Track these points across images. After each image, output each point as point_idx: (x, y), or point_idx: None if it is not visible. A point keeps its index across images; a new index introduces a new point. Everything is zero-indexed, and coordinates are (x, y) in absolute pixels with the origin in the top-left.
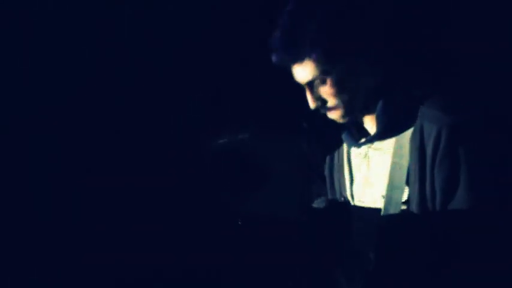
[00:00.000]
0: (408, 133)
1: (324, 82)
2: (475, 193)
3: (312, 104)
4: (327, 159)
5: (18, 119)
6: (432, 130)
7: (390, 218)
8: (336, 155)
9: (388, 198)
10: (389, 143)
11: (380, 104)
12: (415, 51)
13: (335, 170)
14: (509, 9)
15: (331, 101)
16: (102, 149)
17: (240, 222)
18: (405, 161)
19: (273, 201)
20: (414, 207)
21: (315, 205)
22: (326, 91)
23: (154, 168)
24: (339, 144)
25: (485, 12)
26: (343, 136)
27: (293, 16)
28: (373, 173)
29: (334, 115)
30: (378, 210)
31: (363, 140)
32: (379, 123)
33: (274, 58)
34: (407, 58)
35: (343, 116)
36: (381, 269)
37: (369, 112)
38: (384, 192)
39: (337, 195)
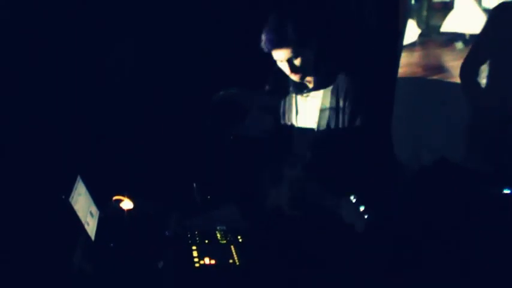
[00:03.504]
0: (330, 87)
1: (295, 58)
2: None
3: (287, 71)
4: (282, 102)
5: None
6: (342, 86)
7: (319, 132)
8: (287, 100)
9: (318, 124)
10: (320, 93)
11: (316, 71)
12: (337, 44)
13: (287, 109)
14: None
15: (297, 69)
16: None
17: (232, 137)
18: (328, 103)
19: (251, 126)
20: (332, 127)
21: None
22: (296, 64)
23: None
24: (290, 94)
25: None
26: (294, 88)
27: (278, 17)
28: (309, 110)
29: (297, 77)
30: (312, 129)
31: (305, 90)
32: (315, 81)
33: (265, 46)
34: (333, 46)
35: (301, 78)
36: (315, 159)
37: (310, 75)
38: (316, 120)
39: (286, 121)
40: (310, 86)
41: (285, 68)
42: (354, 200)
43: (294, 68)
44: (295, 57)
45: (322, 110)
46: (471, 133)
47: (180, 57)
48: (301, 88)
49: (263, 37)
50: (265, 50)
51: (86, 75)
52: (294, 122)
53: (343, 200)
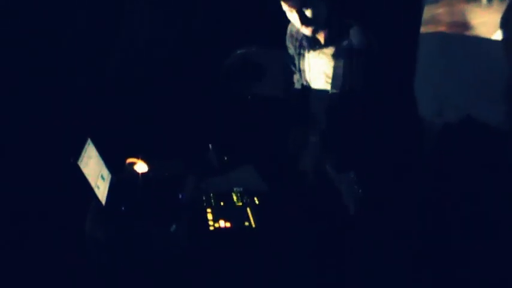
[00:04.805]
0: (344, 44)
1: (306, 9)
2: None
3: (298, 24)
4: (297, 60)
5: None
6: (356, 43)
7: (334, 94)
8: (301, 57)
9: (332, 84)
10: (332, 50)
11: (328, 24)
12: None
13: (302, 68)
14: None
15: (308, 21)
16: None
17: (249, 97)
18: (341, 62)
19: (269, 85)
20: (346, 87)
21: (293, 88)
22: (307, 15)
23: None
24: (303, 51)
25: None
26: (307, 44)
27: None
28: (322, 68)
29: (308, 31)
30: (326, 90)
31: (317, 46)
32: (326, 36)
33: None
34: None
35: (313, 31)
36: (329, 121)
37: (322, 28)
38: (329, 79)
39: (302, 80)
40: (322, 41)
41: (295, 20)
42: (352, 178)
43: (304, 20)
44: (306, 6)
45: (335, 69)
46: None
47: (196, 15)
48: (313, 44)
49: None
50: None
51: (99, 35)
52: (309, 81)
53: (343, 176)
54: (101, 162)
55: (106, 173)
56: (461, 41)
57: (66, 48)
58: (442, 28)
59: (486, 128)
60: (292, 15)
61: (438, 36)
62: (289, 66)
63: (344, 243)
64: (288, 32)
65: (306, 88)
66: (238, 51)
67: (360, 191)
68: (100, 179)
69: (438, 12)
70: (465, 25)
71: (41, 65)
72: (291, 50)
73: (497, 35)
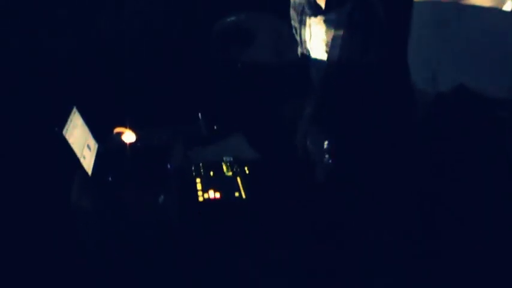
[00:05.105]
0: (344, 13)
1: None
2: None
3: None
4: (299, 28)
5: None
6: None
7: (329, 64)
8: (303, 25)
9: (329, 53)
10: (333, 17)
11: None
12: None
13: (302, 34)
14: None
15: None
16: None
17: (239, 65)
18: (340, 32)
19: (259, 52)
20: (344, 56)
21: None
22: None
23: None
24: (305, 18)
25: None
26: (308, 9)
27: None
28: (321, 36)
29: None
30: (324, 61)
31: (319, 12)
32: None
33: None
34: None
35: None
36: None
37: None
38: (327, 48)
39: (302, 48)
40: (323, 5)
41: None
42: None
43: None
44: None
45: (334, 39)
46: None
47: None
48: (315, 10)
49: None
50: None
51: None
52: (309, 49)
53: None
54: (87, 131)
55: (92, 142)
56: (456, 10)
57: (50, 13)
58: None
59: (479, 97)
60: None
61: (432, 4)
62: (283, 33)
63: (333, 218)
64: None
65: (306, 57)
66: (228, 18)
67: (330, 161)
68: (86, 149)
69: None
70: None
71: (25, 31)
72: (294, 19)
73: (492, 5)
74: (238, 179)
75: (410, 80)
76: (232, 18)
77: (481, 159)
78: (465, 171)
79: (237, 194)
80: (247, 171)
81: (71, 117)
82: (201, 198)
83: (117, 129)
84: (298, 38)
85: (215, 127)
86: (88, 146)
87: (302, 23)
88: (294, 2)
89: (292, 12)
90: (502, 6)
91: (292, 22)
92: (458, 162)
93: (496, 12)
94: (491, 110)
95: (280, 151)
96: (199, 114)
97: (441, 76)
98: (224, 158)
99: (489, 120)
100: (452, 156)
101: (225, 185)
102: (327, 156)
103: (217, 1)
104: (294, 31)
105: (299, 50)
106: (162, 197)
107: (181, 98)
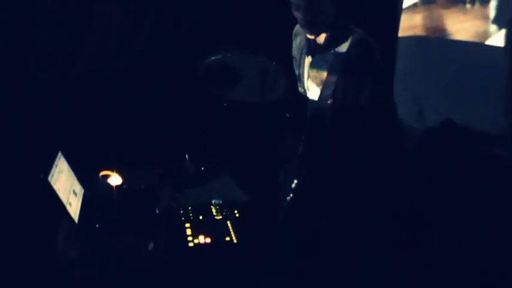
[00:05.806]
0: (341, 52)
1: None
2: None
3: (301, 23)
4: (299, 63)
5: None
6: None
7: (322, 102)
8: (302, 61)
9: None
10: (330, 57)
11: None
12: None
13: (301, 72)
14: None
15: (314, 15)
16: None
17: (225, 104)
18: (335, 73)
19: (245, 91)
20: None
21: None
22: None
23: None
24: (305, 55)
25: None
26: (306, 47)
27: None
28: (318, 75)
29: (309, 31)
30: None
31: (317, 51)
32: (327, 37)
33: None
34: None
35: (315, 32)
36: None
37: (326, 30)
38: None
39: (300, 88)
40: (322, 43)
41: (299, 18)
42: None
43: (309, 18)
44: (313, 5)
45: (328, 79)
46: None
47: (170, 17)
48: (313, 48)
49: None
50: None
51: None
52: (306, 89)
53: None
54: (73, 176)
55: (78, 187)
56: (441, 46)
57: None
58: (421, 33)
59: (467, 131)
60: (298, 14)
61: (417, 41)
62: (270, 71)
63: (327, 256)
64: (294, 32)
65: (302, 96)
66: (213, 57)
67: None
68: (72, 195)
69: (417, 17)
70: (445, 30)
71: (8, 74)
72: (296, 58)
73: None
74: (228, 223)
75: (397, 116)
76: (218, 56)
77: (469, 191)
78: (453, 204)
79: (227, 239)
80: (237, 214)
81: (56, 162)
82: (191, 244)
83: (103, 173)
84: (297, 78)
85: (203, 168)
86: (74, 192)
87: (302, 62)
88: (296, 41)
89: (295, 52)
90: (487, 41)
91: (294, 62)
92: (446, 194)
93: (482, 47)
94: (479, 143)
95: (270, 192)
96: (186, 155)
97: (429, 111)
98: (213, 201)
99: (477, 154)
100: (440, 189)
101: (215, 229)
102: (291, 195)
103: (202, 39)
104: (295, 70)
105: (299, 89)
106: (151, 244)
107: (167, 138)
